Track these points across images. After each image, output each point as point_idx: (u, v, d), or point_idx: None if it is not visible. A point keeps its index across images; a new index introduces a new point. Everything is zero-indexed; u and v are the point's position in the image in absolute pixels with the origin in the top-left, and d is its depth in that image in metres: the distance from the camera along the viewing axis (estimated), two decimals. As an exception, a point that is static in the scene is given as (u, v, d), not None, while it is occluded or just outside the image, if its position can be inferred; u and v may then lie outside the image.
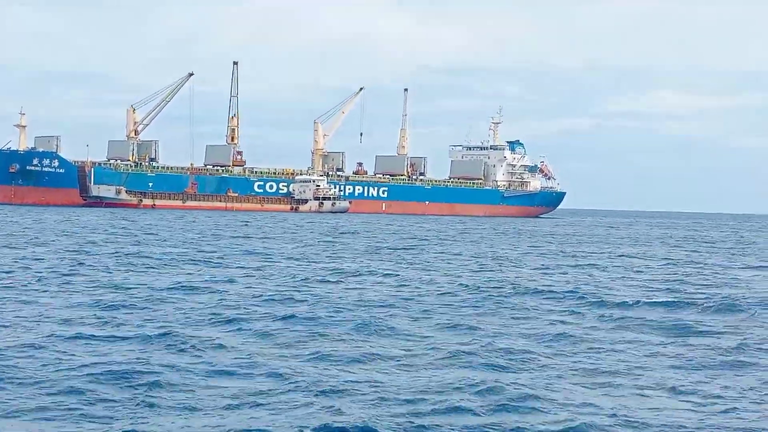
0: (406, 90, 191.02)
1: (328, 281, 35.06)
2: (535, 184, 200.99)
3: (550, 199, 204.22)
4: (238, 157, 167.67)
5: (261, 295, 29.18)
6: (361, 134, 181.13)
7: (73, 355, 18.30)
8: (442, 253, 56.27)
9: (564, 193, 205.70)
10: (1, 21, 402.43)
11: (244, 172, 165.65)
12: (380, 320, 23.91)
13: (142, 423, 13.70)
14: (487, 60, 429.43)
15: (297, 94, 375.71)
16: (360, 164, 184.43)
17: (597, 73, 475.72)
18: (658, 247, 73.22)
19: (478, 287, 33.45)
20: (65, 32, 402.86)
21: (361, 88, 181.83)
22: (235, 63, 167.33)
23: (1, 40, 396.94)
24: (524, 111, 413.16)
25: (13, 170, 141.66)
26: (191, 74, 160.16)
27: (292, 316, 24.20)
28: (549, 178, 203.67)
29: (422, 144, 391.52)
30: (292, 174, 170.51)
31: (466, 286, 33.94)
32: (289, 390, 15.82)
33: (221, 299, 28.08)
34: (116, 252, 46.97)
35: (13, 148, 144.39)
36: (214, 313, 24.64)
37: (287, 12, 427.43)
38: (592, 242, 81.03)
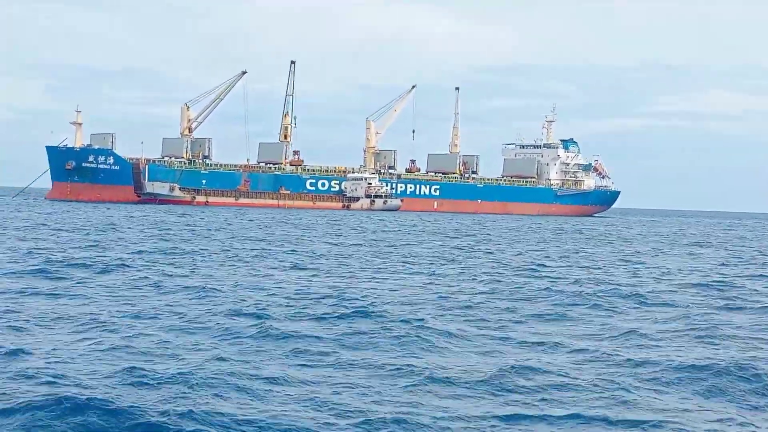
0: (457, 88, 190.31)
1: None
2: (589, 182, 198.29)
3: (605, 198, 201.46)
4: (295, 156, 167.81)
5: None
6: (414, 131, 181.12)
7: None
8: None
9: (618, 192, 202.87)
10: (56, 23, 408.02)
11: (297, 169, 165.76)
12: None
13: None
14: (536, 59, 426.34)
15: (346, 92, 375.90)
16: (413, 161, 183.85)
17: (648, 72, 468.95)
18: None
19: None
20: (118, 32, 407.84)
21: (413, 86, 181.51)
22: (293, 62, 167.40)
23: (57, 41, 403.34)
24: (575, 110, 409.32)
25: (69, 167, 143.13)
26: (244, 72, 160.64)
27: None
28: (603, 177, 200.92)
29: (474, 142, 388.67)
30: (344, 172, 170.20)
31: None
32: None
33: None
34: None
35: (69, 145, 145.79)
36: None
37: (333, 11, 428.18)
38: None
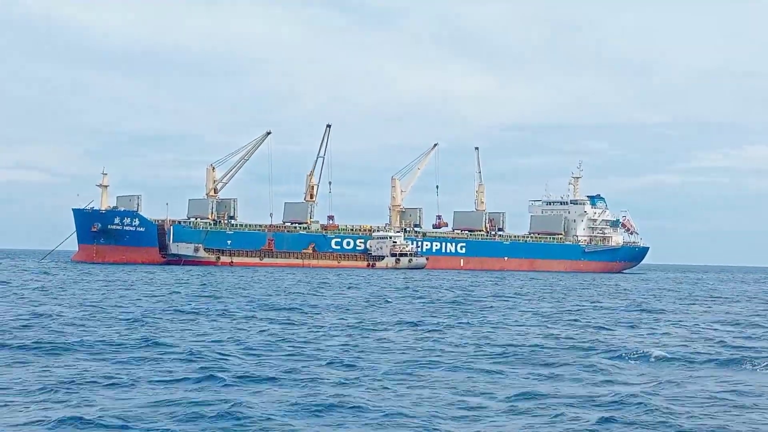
0: (477, 148, 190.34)
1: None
2: (617, 239, 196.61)
3: (633, 254, 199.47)
4: (330, 221, 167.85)
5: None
6: (437, 187, 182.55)
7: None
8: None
9: (647, 248, 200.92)
10: (86, 87, 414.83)
11: (322, 229, 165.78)
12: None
13: None
14: (569, 117, 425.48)
15: (377, 152, 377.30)
16: (439, 217, 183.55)
17: (684, 128, 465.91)
18: None
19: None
20: (155, 97, 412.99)
21: (435, 144, 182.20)
22: (329, 126, 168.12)
23: (86, 105, 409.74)
24: (608, 167, 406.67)
25: (95, 229, 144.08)
26: (269, 133, 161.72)
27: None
28: (631, 233, 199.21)
29: (503, 200, 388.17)
30: (370, 230, 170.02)
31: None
32: None
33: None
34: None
35: (96, 207, 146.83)
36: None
37: (366, 73, 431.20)
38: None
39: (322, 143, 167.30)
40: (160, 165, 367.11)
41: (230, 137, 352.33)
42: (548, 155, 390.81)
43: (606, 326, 43.80)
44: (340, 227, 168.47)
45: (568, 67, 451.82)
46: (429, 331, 39.27)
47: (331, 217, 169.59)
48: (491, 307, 57.45)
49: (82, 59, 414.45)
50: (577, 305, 62.15)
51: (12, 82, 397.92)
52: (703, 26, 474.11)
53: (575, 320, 47.47)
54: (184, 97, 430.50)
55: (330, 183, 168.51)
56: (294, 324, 41.17)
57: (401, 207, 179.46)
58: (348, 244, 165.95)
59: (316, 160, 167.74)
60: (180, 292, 64.84)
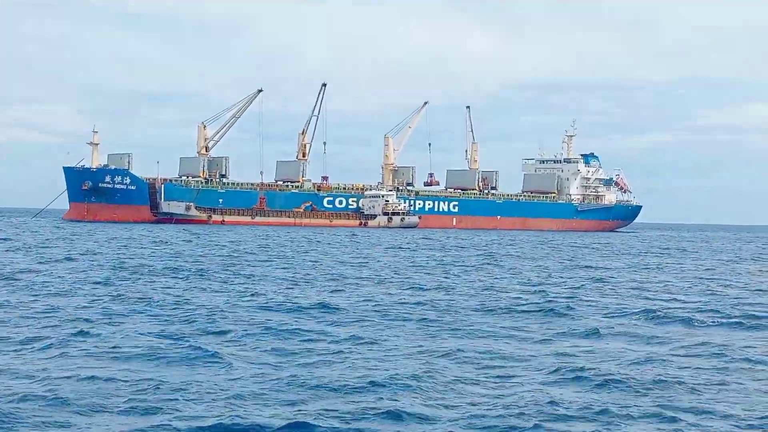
0: (468, 107, 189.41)
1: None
2: (610, 197, 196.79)
3: (626, 213, 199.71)
4: (324, 182, 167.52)
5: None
6: (429, 145, 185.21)
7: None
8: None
9: (640, 207, 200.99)
10: (82, 45, 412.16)
11: (314, 188, 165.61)
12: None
13: None
14: (572, 75, 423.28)
15: (376, 111, 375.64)
16: (431, 175, 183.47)
17: (686, 87, 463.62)
18: None
19: None
20: (152, 55, 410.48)
21: (425, 102, 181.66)
22: (324, 85, 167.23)
23: (79, 62, 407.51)
24: (611, 125, 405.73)
25: (86, 187, 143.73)
26: (260, 90, 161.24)
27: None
28: (625, 191, 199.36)
29: (501, 159, 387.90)
30: (362, 189, 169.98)
31: None
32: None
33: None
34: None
35: (86, 166, 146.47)
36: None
37: (370, 31, 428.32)
38: None
39: (316, 102, 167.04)
40: (156, 124, 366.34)
41: (229, 96, 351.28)
42: (549, 114, 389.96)
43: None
44: (332, 186, 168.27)
45: (571, 25, 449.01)
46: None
47: (325, 178, 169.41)
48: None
49: (78, 16, 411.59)
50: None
51: (8, 38, 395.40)
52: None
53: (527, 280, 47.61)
54: (183, 54, 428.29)
55: (324, 144, 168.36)
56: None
57: (394, 165, 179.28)
58: (340, 202, 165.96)
59: (310, 119, 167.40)
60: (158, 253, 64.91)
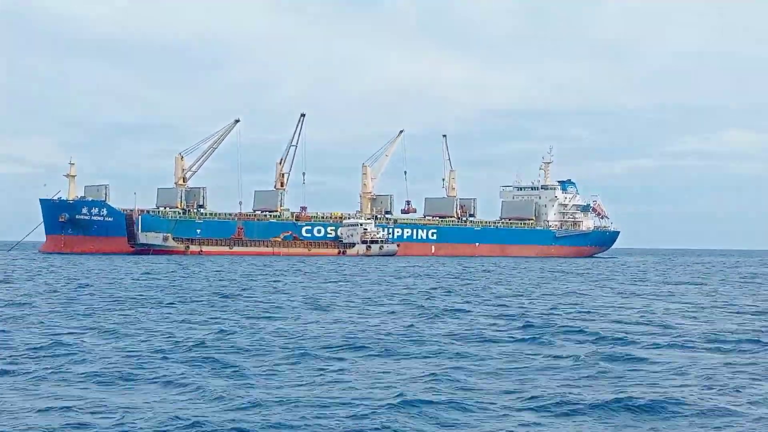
0: (444, 136, 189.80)
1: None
2: (588, 223, 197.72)
3: (604, 239, 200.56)
4: (303, 212, 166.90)
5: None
6: (405, 173, 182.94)
7: None
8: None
9: (618, 232, 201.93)
10: (62, 77, 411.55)
11: (292, 216, 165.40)
12: None
13: None
14: (548, 103, 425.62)
15: (355, 140, 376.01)
16: (408, 202, 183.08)
17: (662, 113, 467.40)
18: None
19: None
20: (134, 86, 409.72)
21: (401, 131, 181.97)
22: (303, 115, 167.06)
23: (63, 95, 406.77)
24: (588, 152, 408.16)
25: (62, 219, 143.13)
26: (237, 120, 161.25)
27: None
28: (602, 217, 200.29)
29: (480, 187, 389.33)
30: (341, 218, 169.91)
31: None
32: None
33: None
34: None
35: (63, 197, 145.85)
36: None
37: (345, 60, 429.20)
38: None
39: (295, 132, 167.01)
40: (134, 155, 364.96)
41: (207, 127, 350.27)
42: (527, 141, 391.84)
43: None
44: (311, 215, 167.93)
45: (548, 52, 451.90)
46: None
47: (304, 208, 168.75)
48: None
49: (62, 48, 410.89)
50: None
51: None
52: (682, 10, 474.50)
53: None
54: (162, 86, 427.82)
55: (304, 174, 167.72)
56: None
57: (372, 194, 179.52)
58: (319, 231, 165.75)
59: (288, 148, 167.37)
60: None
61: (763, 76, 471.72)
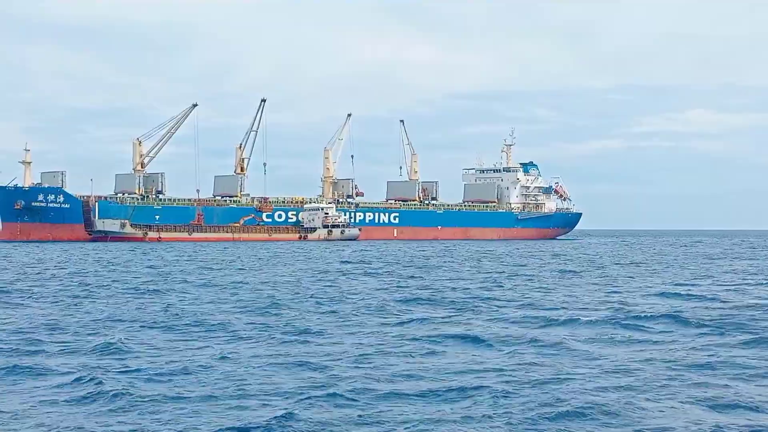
0: (402, 121, 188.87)
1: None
2: (550, 205, 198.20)
3: (566, 221, 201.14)
4: (265, 203, 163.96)
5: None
6: (352, 156, 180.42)
7: None
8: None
9: (580, 214, 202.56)
10: (22, 61, 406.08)
11: (252, 201, 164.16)
12: None
13: None
14: (515, 85, 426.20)
15: (321, 125, 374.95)
16: (355, 186, 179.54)
17: (628, 94, 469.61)
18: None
19: None
20: (95, 71, 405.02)
21: (349, 114, 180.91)
22: (263, 100, 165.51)
23: (21, 80, 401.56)
24: (552, 133, 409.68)
25: (18, 207, 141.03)
26: (195, 105, 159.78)
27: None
28: (564, 199, 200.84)
29: (444, 170, 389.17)
30: (302, 202, 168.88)
31: None
32: None
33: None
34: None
35: (19, 184, 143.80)
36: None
37: (310, 43, 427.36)
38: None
39: (255, 117, 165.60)
40: (93, 140, 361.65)
41: (170, 112, 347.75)
42: (492, 124, 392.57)
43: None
44: (271, 199, 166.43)
45: (512, 34, 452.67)
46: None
47: (265, 199, 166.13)
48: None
49: (23, 32, 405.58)
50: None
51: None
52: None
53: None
54: (124, 71, 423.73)
55: (265, 165, 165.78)
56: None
57: (333, 178, 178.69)
58: (280, 216, 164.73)
59: (248, 134, 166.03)
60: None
61: (727, 56, 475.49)
